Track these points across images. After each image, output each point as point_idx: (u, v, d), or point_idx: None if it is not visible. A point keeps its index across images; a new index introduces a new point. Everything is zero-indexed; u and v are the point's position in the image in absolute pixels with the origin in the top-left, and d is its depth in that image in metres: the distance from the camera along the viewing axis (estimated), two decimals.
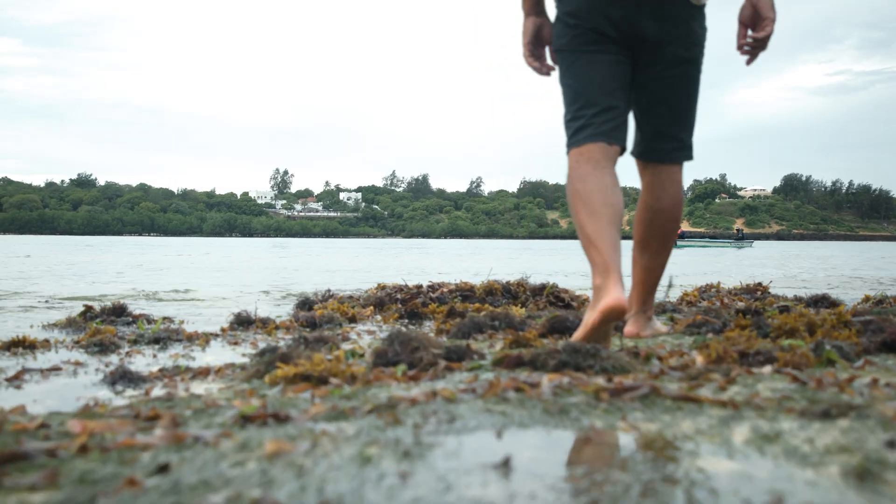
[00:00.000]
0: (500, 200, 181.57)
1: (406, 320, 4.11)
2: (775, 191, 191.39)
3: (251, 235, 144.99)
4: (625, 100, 2.78)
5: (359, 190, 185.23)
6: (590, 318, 2.47)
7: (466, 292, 4.85)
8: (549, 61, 2.94)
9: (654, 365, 2.20)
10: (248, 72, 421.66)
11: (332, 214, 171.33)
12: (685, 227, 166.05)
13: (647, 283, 3.08)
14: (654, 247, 3.01)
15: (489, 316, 3.18)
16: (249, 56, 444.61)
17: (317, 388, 1.90)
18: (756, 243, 63.51)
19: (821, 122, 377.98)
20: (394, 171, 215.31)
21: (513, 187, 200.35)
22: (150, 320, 3.82)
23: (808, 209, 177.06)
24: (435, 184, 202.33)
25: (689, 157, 2.97)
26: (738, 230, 64.09)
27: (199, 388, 2.13)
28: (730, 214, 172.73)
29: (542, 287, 4.92)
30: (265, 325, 3.63)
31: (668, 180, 2.97)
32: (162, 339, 3.11)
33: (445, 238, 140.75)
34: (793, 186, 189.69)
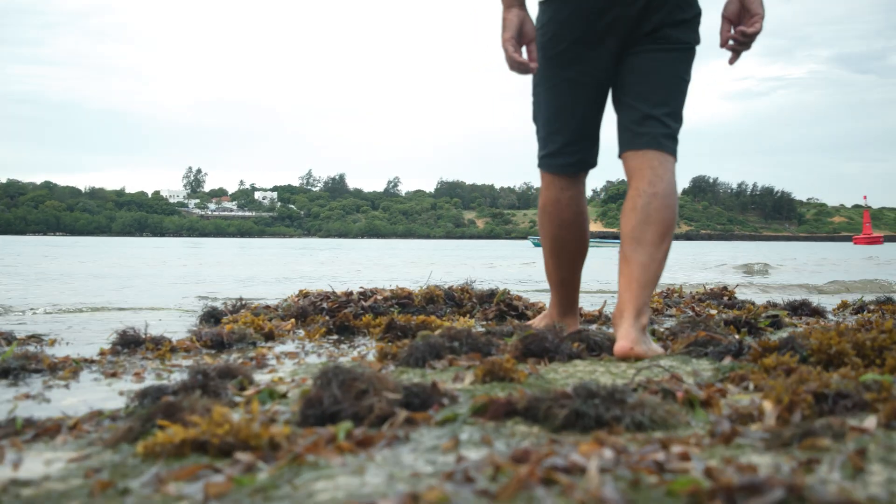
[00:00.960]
0: (417, 200, 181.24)
1: (335, 336, 3.40)
2: (685, 192, 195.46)
3: (163, 235, 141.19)
4: (598, 123, 2.91)
5: (274, 189, 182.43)
6: None
7: (403, 300, 4.16)
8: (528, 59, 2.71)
9: (704, 417, 1.56)
10: (161, 68, 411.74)
11: (247, 214, 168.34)
12: (597, 227, 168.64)
13: (642, 281, 2.54)
14: (650, 237, 2.58)
15: (446, 335, 2.49)
16: (164, 52, 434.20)
17: (216, 469, 1.20)
18: None
19: (728, 126, 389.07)
20: (310, 171, 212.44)
21: (430, 187, 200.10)
22: (8, 340, 3.01)
23: (715, 210, 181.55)
24: (352, 183, 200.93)
25: (675, 150, 2.74)
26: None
27: (35, 461, 1.40)
28: None
29: (491, 294, 4.27)
30: (158, 345, 2.87)
31: (660, 167, 2.67)
32: (13, 369, 2.33)
33: (363, 238, 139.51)
34: (701, 188, 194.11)
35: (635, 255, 2.57)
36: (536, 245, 48.90)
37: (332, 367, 1.67)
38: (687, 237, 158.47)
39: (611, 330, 3.07)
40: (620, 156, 2.75)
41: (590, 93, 2.81)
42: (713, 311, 4.23)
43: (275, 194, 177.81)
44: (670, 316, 4.21)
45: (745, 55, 2.70)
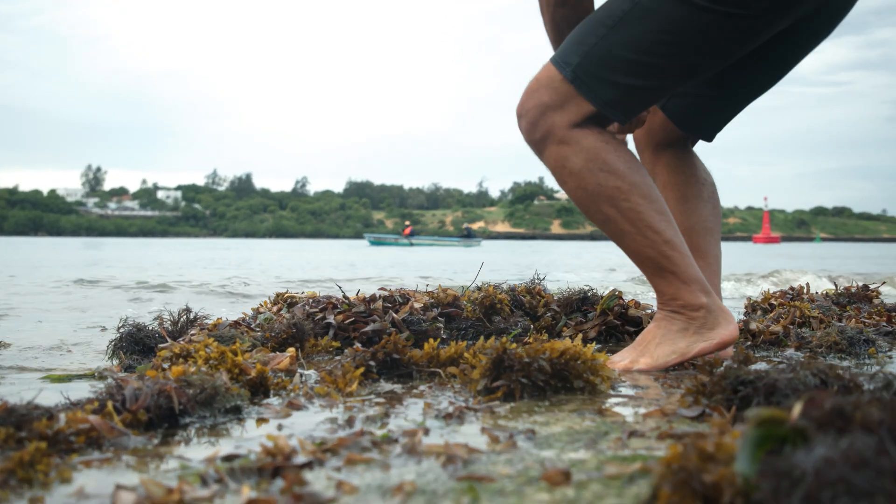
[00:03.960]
0: (325, 200, 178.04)
1: (382, 383, 1.80)
2: None
3: (60, 235, 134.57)
4: None
5: (179, 188, 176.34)
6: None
7: (449, 308, 2.57)
8: None
9: None
10: (52, 61, 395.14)
11: (149, 213, 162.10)
12: (503, 227, 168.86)
13: (720, 275, 2.38)
14: (716, 228, 2.41)
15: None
16: (55, 45, 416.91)
17: None
18: (484, 242, 61.16)
19: None
20: (215, 170, 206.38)
21: (339, 188, 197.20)
22: None
23: None
24: (259, 183, 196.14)
25: None
26: (465, 228, 59.98)
27: None
28: (547, 216, 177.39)
29: (584, 299, 2.70)
30: (20, 443, 1.21)
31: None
32: None
33: (270, 238, 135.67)
34: None
35: (710, 247, 2.35)
36: (373, 244, 46.34)
37: None
38: (591, 237, 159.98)
39: None
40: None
41: None
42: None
43: (179, 193, 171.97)
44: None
45: None
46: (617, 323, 2.57)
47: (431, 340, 1.93)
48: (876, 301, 3.56)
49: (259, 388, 1.67)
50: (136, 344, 2.11)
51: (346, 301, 2.40)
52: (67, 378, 2.00)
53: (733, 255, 25.63)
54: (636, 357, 2.03)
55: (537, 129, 2.00)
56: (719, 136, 2.38)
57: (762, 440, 0.83)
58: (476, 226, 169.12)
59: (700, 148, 2.44)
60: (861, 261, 17.81)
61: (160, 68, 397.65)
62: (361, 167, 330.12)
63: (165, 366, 1.81)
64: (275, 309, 2.54)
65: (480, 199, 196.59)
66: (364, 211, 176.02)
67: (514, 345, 1.96)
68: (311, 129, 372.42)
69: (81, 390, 1.77)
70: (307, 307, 2.37)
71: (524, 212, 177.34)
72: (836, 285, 3.73)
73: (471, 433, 1.33)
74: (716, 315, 1.99)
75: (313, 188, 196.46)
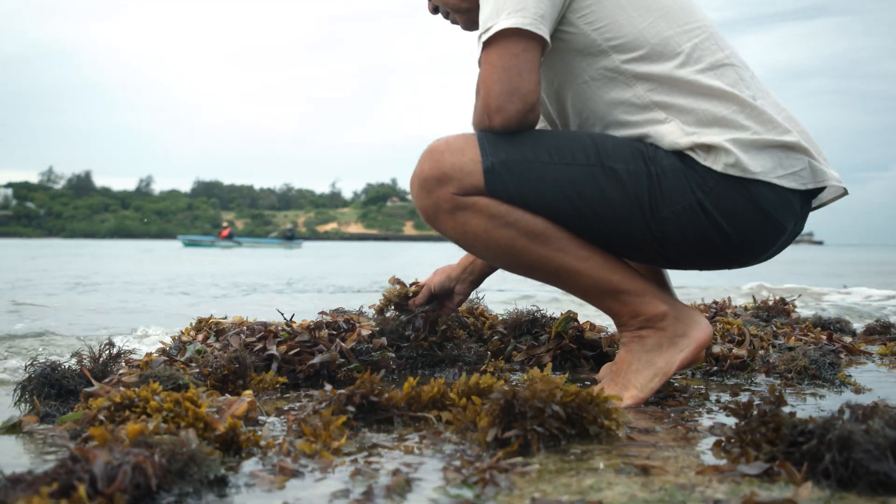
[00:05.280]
0: (172, 200, 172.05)
1: (365, 429, 1.58)
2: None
3: None
4: None
5: (9, 186, 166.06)
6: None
7: (394, 334, 2.35)
8: None
9: None
10: None
11: None
12: (357, 229, 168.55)
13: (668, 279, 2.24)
14: None
15: None
16: None
17: None
18: (336, 245, 58.52)
19: None
20: (51, 167, 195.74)
21: (186, 187, 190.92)
22: None
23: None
24: (99, 181, 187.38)
25: None
26: (288, 229, 56.58)
27: None
28: (401, 217, 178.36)
29: (534, 320, 2.54)
30: None
31: None
32: None
33: (112, 238, 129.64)
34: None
35: None
36: (188, 245, 43.69)
37: None
38: (444, 238, 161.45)
39: None
40: None
41: None
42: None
43: (10, 191, 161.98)
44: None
45: None
46: (573, 347, 2.42)
47: (411, 379, 1.70)
48: (793, 315, 3.58)
49: (231, 446, 1.41)
50: (50, 387, 1.78)
51: (288, 329, 2.14)
52: None
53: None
54: (619, 391, 1.88)
55: (430, 196, 1.82)
56: None
57: None
58: (329, 227, 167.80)
59: None
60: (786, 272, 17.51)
61: None
62: (210, 166, 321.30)
63: (102, 416, 1.52)
64: (200, 337, 2.24)
65: (333, 200, 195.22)
66: (213, 211, 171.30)
67: (501, 382, 1.79)
68: (156, 123, 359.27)
69: (3, 454, 1.45)
70: (243, 336, 2.10)
71: (377, 213, 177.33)
72: (754, 299, 3.73)
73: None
74: (683, 317, 1.88)
75: (159, 187, 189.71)
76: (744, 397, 1.98)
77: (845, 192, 1.94)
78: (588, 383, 2.15)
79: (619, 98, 1.83)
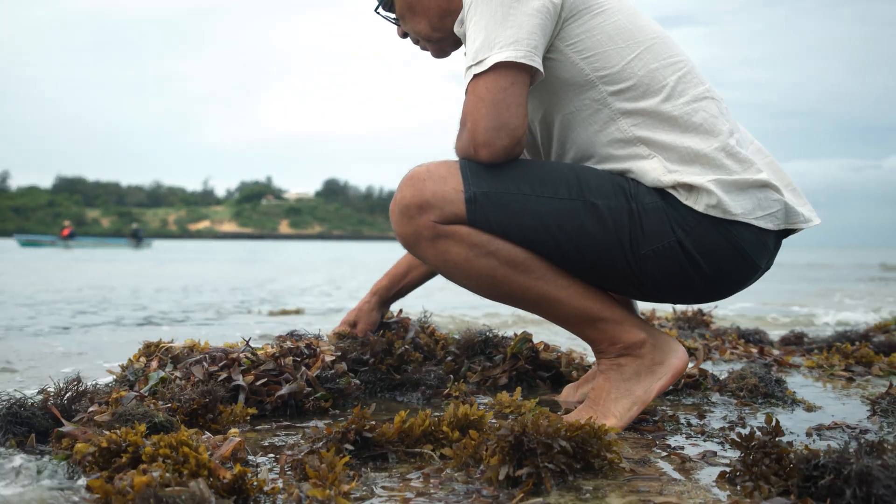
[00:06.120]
0: (31, 197, 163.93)
1: (367, 470, 1.54)
2: (317, 194, 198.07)
3: None
4: None
5: None
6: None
7: (357, 356, 2.31)
8: None
9: None
10: None
11: None
12: (231, 227, 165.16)
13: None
14: None
15: None
16: None
17: None
18: (211, 244, 54.25)
19: (355, 134, 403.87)
20: None
21: (47, 183, 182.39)
22: None
23: (346, 212, 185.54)
24: None
25: None
26: (136, 229, 50.29)
27: None
28: (276, 216, 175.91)
29: (486, 340, 2.54)
30: None
31: None
32: None
33: None
34: (333, 190, 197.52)
35: None
36: (25, 245, 40.04)
37: None
38: (321, 237, 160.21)
39: None
40: None
41: None
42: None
43: None
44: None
45: None
46: (528, 368, 2.43)
47: (402, 413, 1.67)
48: (713, 326, 3.71)
49: (238, 494, 1.35)
50: (20, 425, 1.65)
51: (252, 356, 2.06)
52: None
53: None
54: (598, 420, 1.90)
55: (411, 223, 1.81)
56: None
57: None
58: (202, 225, 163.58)
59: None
60: None
61: None
62: (73, 162, 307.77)
63: (88, 461, 1.43)
64: (154, 364, 2.13)
65: (206, 198, 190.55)
66: (76, 209, 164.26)
67: (490, 413, 1.78)
68: (10, 118, 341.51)
69: None
70: (206, 364, 2.01)
71: (252, 211, 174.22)
72: (674, 309, 3.85)
73: None
74: (661, 345, 1.91)
75: (16, 183, 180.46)
76: (713, 421, 2.04)
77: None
78: (548, 407, 2.17)
79: (604, 131, 1.85)
